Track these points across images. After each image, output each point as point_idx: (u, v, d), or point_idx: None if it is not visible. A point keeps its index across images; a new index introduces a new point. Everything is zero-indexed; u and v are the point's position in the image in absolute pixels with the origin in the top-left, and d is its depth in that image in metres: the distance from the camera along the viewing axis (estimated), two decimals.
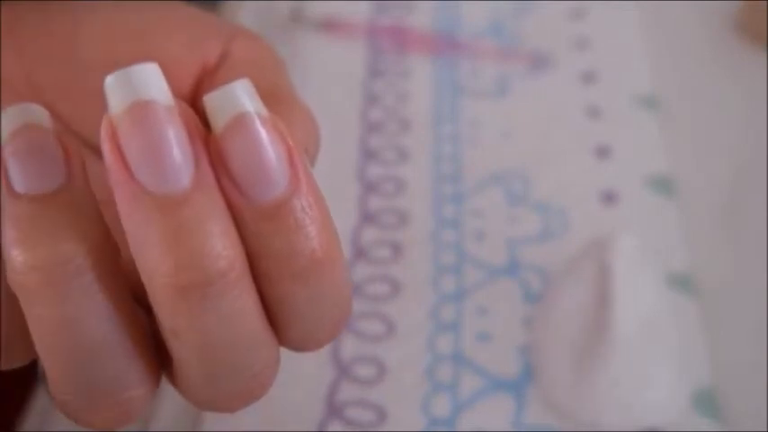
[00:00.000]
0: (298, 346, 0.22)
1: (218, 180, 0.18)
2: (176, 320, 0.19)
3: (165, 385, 0.22)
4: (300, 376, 0.37)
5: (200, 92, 0.25)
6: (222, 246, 0.18)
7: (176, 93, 0.19)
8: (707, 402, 0.35)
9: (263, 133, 0.18)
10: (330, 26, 0.51)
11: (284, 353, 0.22)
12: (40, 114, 0.19)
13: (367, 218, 0.43)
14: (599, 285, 0.35)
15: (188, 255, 0.18)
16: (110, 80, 0.18)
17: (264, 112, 0.19)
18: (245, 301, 0.19)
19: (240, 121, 0.18)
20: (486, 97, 0.48)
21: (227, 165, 0.18)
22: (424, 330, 0.39)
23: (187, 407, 0.36)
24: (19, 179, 0.18)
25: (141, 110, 0.18)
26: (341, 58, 0.50)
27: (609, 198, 0.43)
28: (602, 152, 0.45)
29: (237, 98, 0.18)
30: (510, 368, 0.37)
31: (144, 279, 0.18)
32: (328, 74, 0.50)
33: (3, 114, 0.19)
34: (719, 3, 0.51)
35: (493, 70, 0.49)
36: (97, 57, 0.24)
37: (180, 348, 0.19)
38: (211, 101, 0.19)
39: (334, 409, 0.36)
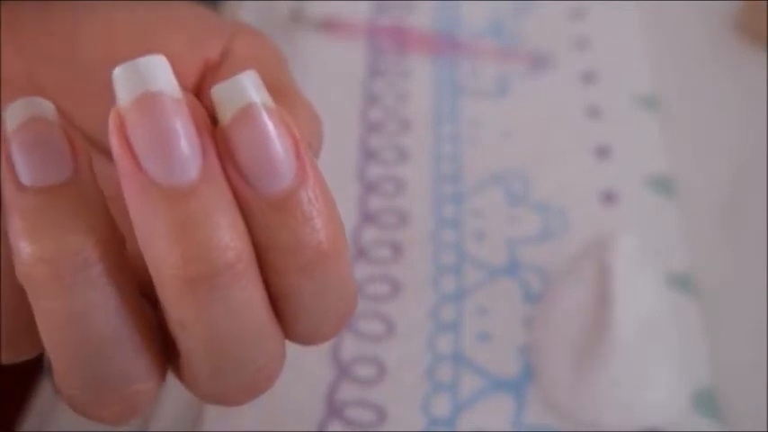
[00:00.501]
0: (303, 340, 0.22)
1: (226, 171, 0.18)
2: (184, 312, 0.19)
3: (166, 384, 0.22)
4: (300, 376, 0.37)
5: (202, 90, 0.25)
6: (229, 237, 0.18)
7: None
8: (707, 402, 0.35)
9: (270, 125, 0.18)
10: (330, 26, 0.51)
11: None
12: (45, 107, 0.19)
13: (367, 218, 0.43)
14: (599, 285, 0.35)
15: (195, 246, 0.18)
16: (118, 72, 0.18)
17: (271, 103, 0.19)
18: (251, 292, 0.19)
19: (247, 112, 0.18)
20: (486, 97, 0.48)
21: (234, 156, 0.18)
22: (424, 330, 0.39)
23: (188, 406, 0.36)
24: (25, 171, 0.18)
25: (149, 101, 0.18)
26: (341, 58, 0.50)
27: (609, 198, 0.43)
28: (602, 152, 0.45)
29: (245, 89, 0.18)
30: (510, 368, 0.37)
31: (151, 271, 0.18)
32: (328, 74, 0.49)
33: (9, 107, 0.19)
34: (719, 3, 0.51)
35: (493, 70, 0.49)
36: (97, 56, 0.24)
37: (187, 341, 0.19)
38: (218, 92, 0.19)
39: (334, 409, 0.36)
